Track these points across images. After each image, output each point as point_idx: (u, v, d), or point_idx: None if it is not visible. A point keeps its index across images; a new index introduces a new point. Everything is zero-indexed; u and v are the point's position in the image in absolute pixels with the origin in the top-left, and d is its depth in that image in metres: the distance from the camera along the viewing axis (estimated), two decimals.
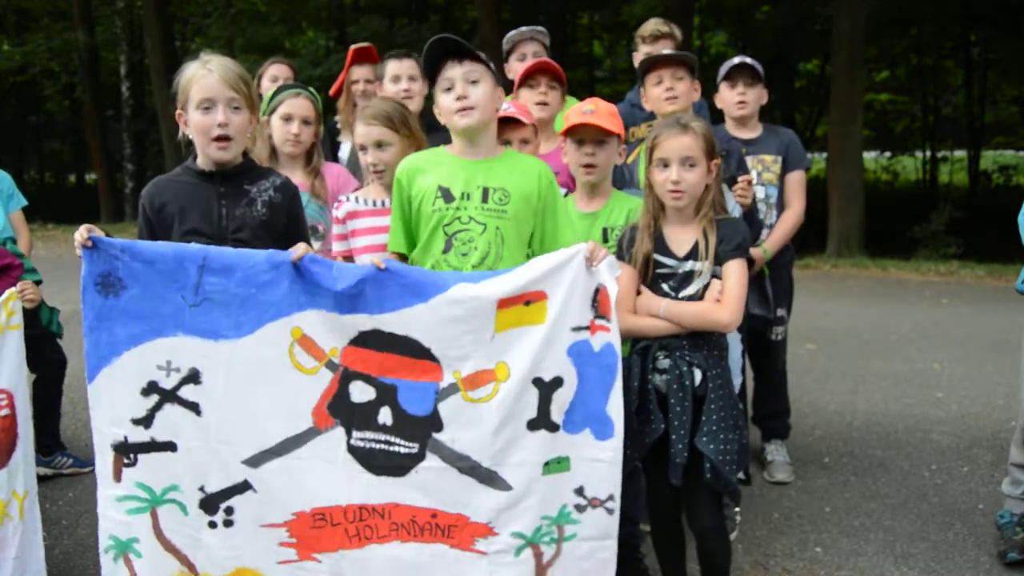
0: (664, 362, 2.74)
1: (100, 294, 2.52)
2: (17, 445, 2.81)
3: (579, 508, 2.62)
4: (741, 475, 3.53)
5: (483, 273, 2.63)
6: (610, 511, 2.64)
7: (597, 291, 2.59)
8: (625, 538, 3.25)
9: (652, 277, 2.80)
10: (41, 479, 3.44)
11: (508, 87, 3.74)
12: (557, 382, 2.57)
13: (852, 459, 4.60)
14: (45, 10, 22.98)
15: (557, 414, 2.58)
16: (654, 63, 3.73)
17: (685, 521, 2.95)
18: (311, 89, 3.75)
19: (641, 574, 3.24)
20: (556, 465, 2.59)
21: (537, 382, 2.56)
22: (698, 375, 2.71)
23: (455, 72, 2.75)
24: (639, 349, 2.78)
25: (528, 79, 3.66)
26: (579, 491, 2.61)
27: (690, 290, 2.76)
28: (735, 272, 2.74)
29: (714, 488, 2.74)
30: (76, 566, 3.40)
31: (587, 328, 2.58)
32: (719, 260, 2.75)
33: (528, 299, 2.55)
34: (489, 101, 2.80)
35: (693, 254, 2.77)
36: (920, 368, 6.50)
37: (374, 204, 3.20)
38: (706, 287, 2.75)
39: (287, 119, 3.52)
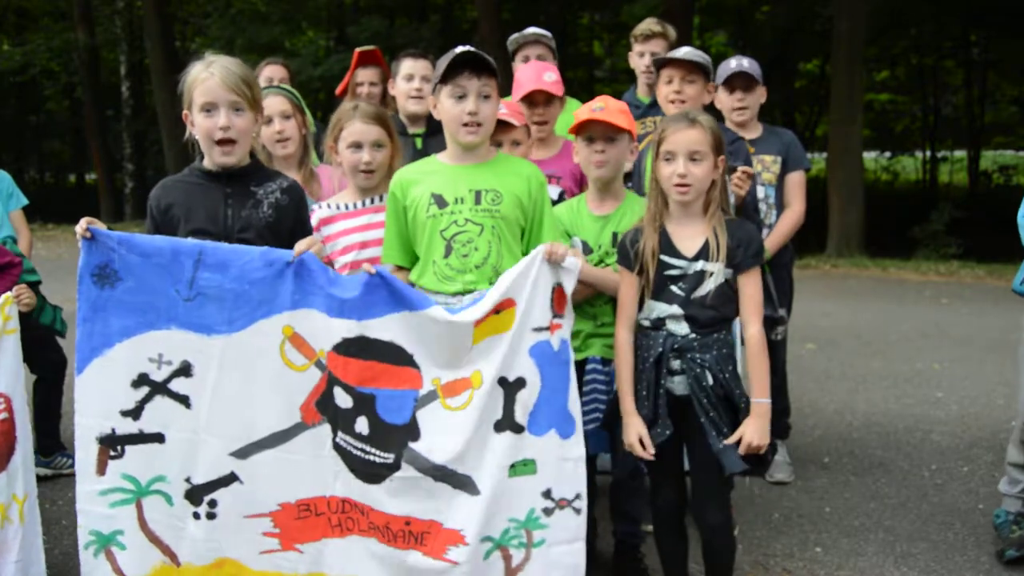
0: (675, 363, 2.74)
1: (96, 285, 2.54)
2: (16, 449, 2.81)
3: (547, 511, 2.63)
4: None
5: (462, 306, 2.66)
6: (577, 511, 2.66)
7: (554, 290, 2.62)
8: (625, 538, 3.27)
9: (660, 279, 2.78)
10: (41, 479, 3.44)
11: (509, 84, 3.73)
12: (520, 382, 2.60)
13: (852, 459, 4.60)
14: (45, 10, 22.99)
15: (521, 415, 2.60)
16: (667, 62, 3.74)
17: (688, 521, 2.95)
18: (282, 86, 3.75)
19: (641, 574, 3.24)
20: (522, 467, 2.61)
21: (502, 382, 2.60)
22: (710, 378, 2.70)
23: (471, 84, 2.77)
24: (654, 360, 2.74)
25: (524, 97, 3.65)
26: (546, 494, 2.63)
27: (701, 291, 2.74)
28: (755, 280, 2.77)
29: (728, 481, 2.77)
30: (75, 566, 3.36)
31: (547, 328, 2.61)
32: (735, 264, 2.74)
33: (499, 308, 2.60)
34: (495, 116, 2.86)
35: (703, 254, 2.75)
36: (920, 368, 6.50)
37: (346, 207, 3.20)
38: (719, 287, 2.74)
39: (267, 121, 3.55)
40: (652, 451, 2.70)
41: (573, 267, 2.64)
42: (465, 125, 2.79)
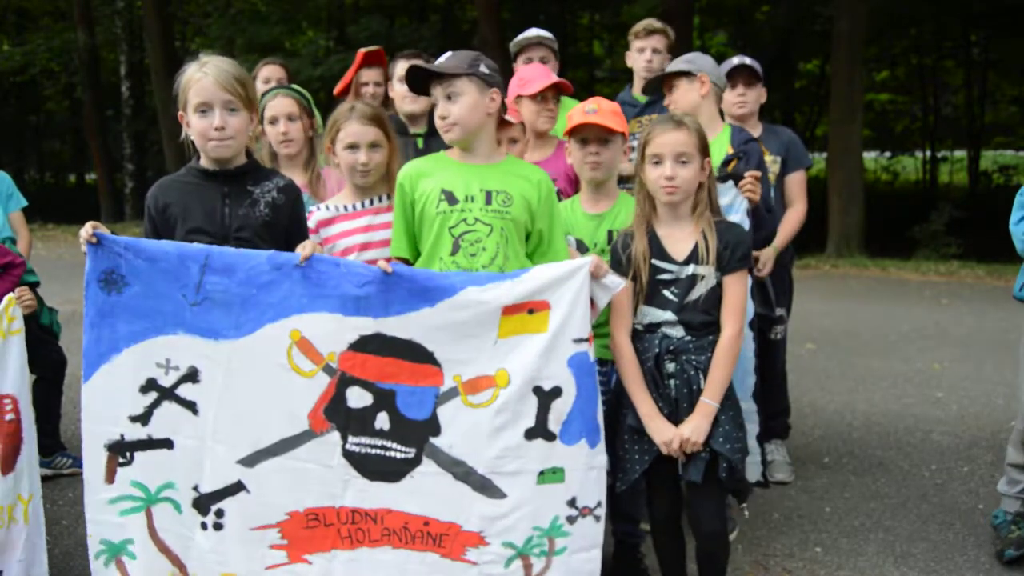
0: (670, 366, 2.74)
1: (103, 290, 2.53)
2: (22, 449, 2.82)
3: (570, 520, 2.62)
4: (760, 478, 3.49)
5: (490, 275, 2.64)
6: (597, 518, 2.65)
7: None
8: (625, 538, 3.27)
9: (651, 284, 2.78)
10: (41, 479, 3.44)
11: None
12: (556, 392, 2.57)
13: (852, 459, 4.60)
14: (45, 10, 22.99)
15: (554, 424, 2.58)
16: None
17: (684, 521, 2.95)
18: (292, 86, 3.76)
19: (641, 574, 3.25)
20: (551, 475, 2.59)
21: (537, 391, 2.57)
22: (702, 380, 2.71)
23: (437, 91, 2.80)
24: (653, 363, 2.75)
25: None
26: (571, 502, 2.62)
27: (694, 295, 2.75)
28: (740, 283, 2.77)
29: (727, 488, 2.76)
30: (76, 566, 3.40)
31: (586, 340, 2.59)
32: (723, 267, 2.75)
33: (532, 308, 2.57)
34: (471, 112, 2.78)
35: (694, 257, 2.76)
36: (920, 368, 6.50)
37: (344, 209, 3.18)
38: (711, 290, 2.75)
39: (273, 121, 3.59)
40: (700, 440, 2.67)
41: (614, 286, 2.63)
42: (442, 128, 2.81)
